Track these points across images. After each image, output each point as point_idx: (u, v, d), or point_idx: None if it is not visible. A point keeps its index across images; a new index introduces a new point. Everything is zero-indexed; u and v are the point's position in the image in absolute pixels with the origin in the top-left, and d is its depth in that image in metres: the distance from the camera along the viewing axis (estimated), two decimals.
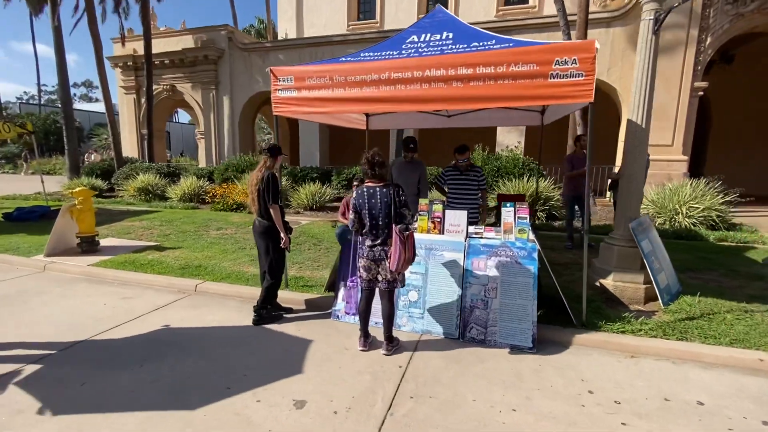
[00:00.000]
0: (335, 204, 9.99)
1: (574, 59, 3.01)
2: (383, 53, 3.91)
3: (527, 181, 8.11)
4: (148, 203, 10.60)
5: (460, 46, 3.70)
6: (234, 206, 9.22)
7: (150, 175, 11.61)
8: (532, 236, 3.33)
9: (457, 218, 3.52)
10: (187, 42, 15.01)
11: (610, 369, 2.83)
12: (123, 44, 15.89)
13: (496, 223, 3.87)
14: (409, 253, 2.78)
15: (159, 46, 15.02)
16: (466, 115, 6.13)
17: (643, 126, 3.89)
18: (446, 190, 4.54)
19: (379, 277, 2.96)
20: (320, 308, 3.87)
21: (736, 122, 12.65)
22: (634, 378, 2.72)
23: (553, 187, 7.96)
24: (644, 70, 3.86)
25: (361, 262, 2.99)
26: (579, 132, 8.37)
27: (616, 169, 7.76)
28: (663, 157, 9.72)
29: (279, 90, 3.82)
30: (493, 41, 3.73)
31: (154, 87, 14.87)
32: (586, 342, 3.14)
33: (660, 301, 3.82)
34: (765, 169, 12.40)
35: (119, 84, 16.50)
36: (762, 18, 9.62)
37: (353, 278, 3.44)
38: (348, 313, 3.55)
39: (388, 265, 2.87)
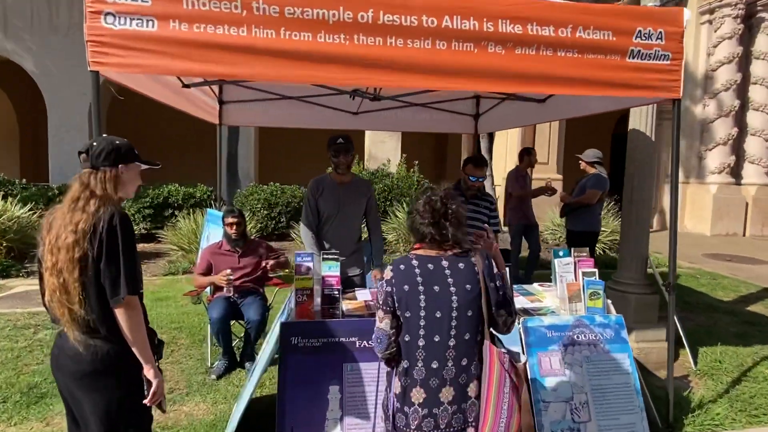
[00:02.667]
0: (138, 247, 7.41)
1: (660, 33, 2.52)
2: None
3: None
4: None
5: None
6: None
7: None
8: (608, 302, 2.61)
9: None
10: None
11: None
12: None
13: None
14: (528, 417, 1.57)
15: None
16: (381, 113, 5.26)
17: (653, 138, 3.79)
18: None
19: None
20: None
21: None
22: None
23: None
24: None
25: None
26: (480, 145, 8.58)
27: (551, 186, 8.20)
28: (543, 176, 11.16)
29: (111, 16, 2.04)
30: None
31: None
32: None
33: (691, 361, 3.71)
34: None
35: None
36: None
37: None
38: None
39: None
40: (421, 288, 1.58)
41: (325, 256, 2.44)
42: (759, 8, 10.24)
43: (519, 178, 5.64)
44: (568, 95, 3.76)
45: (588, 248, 3.05)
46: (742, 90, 10.53)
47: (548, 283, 3.11)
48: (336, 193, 3.31)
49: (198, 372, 3.35)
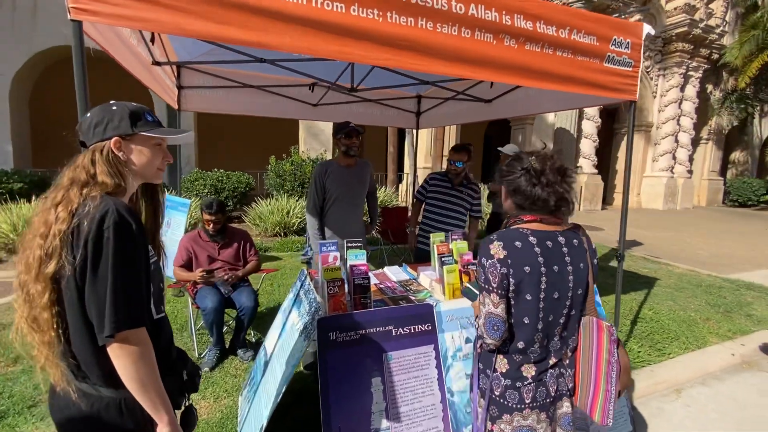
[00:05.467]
0: None
1: (628, 42, 2.37)
2: None
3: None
4: None
5: None
6: None
7: None
8: None
9: None
10: None
11: (701, 423, 2.37)
12: None
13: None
14: (625, 378, 1.30)
15: None
16: (338, 106, 4.66)
17: (575, 136, 3.79)
18: (424, 206, 3.11)
19: None
20: None
21: None
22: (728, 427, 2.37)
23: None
24: None
25: (514, 421, 1.23)
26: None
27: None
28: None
29: None
30: None
31: None
32: (643, 392, 2.62)
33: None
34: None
35: None
36: None
37: None
38: None
39: (580, 407, 1.27)
40: (543, 269, 1.20)
41: (349, 245, 1.93)
42: None
43: None
44: (519, 96, 3.62)
45: None
46: None
47: None
48: (344, 175, 2.80)
49: None
